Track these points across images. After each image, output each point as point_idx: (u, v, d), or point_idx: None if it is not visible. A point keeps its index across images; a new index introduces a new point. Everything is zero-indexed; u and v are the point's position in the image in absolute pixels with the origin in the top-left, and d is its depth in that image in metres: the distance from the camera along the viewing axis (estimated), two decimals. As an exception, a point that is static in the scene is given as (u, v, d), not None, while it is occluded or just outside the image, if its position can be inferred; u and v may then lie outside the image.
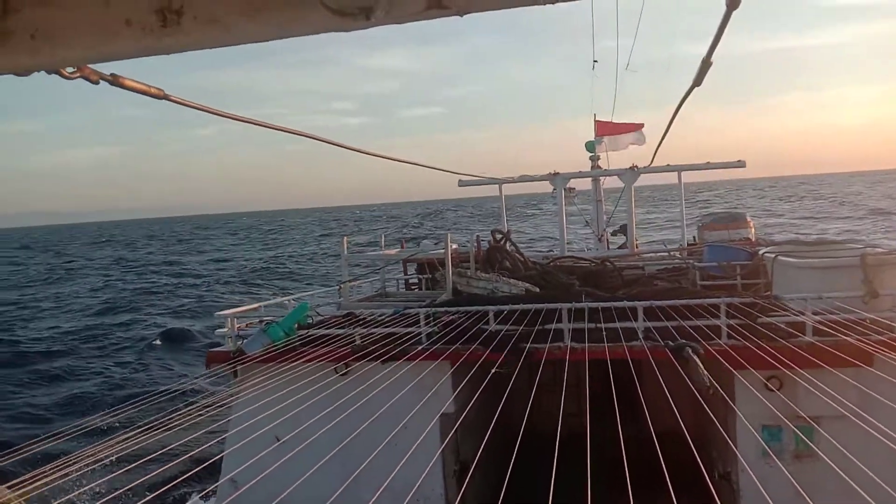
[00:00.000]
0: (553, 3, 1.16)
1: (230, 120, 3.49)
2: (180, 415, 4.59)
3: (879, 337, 5.36)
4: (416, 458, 4.87)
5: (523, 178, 13.67)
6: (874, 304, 6.09)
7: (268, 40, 1.30)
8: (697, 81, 3.62)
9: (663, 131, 8.38)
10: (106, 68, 1.80)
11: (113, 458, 3.97)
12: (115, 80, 1.75)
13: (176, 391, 5.29)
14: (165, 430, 4.45)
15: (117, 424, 5.07)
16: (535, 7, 1.17)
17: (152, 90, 1.89)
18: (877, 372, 4.99)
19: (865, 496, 3.54)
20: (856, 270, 6.32)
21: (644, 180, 12.20)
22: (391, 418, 5.17)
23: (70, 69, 1.58)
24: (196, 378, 5.77)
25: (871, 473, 3.96)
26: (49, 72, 1.52)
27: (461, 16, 1.20)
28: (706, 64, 3.29)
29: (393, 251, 11.00)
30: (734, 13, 2.06)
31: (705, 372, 4.98)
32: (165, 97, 2.02)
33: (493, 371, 5.57)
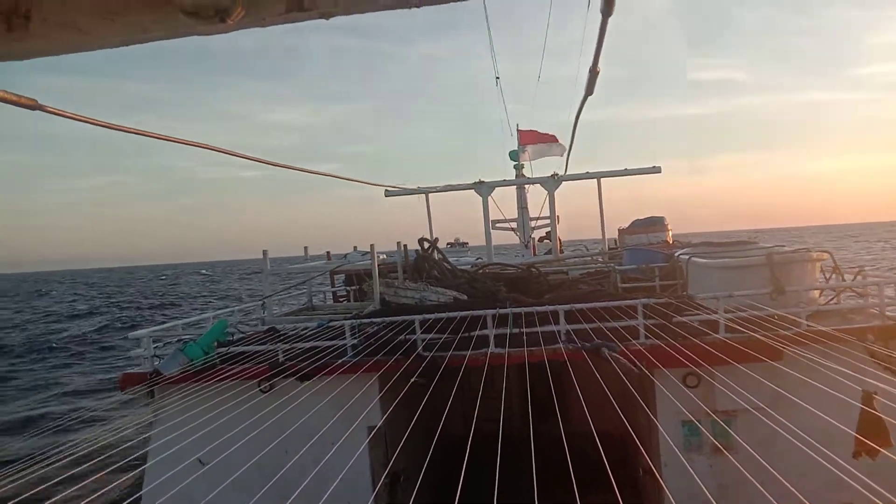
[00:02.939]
0: (419, 7, 1.15)
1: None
2: (89, 442, 4.34)
3: (787, 333, 5.59)
4: (344, 473, 4.78)
5: (448, 188, 13.73)
6: (781, 300, 6.38)
7: (126, 45, 1.24)
8: (589, 90, 3.72)
9: (572, 141, 8.59)
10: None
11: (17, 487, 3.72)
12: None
13: (84, 418, 5.01)
14: (72, 458, 4.19)
15: (17, 455, 4.75)
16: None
17: (23, 100, 1.78)
18: (784, 368, 5.20)
19: (783, 483, 3.69)
20: (763, 269, 6.61)
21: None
22: (317, 434, 5.06)
23: None
24: (108, 402, 5.49)
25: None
26: None
27: (326, 19, 1.17)
28: (594, 73, 3.38)
29: (319, 263, 10.84)
30: (610, 20, 2.12)
31: (629, 362, 5.09)
32: (40, 107, 1.90)
33: (411, 382, 5.53)
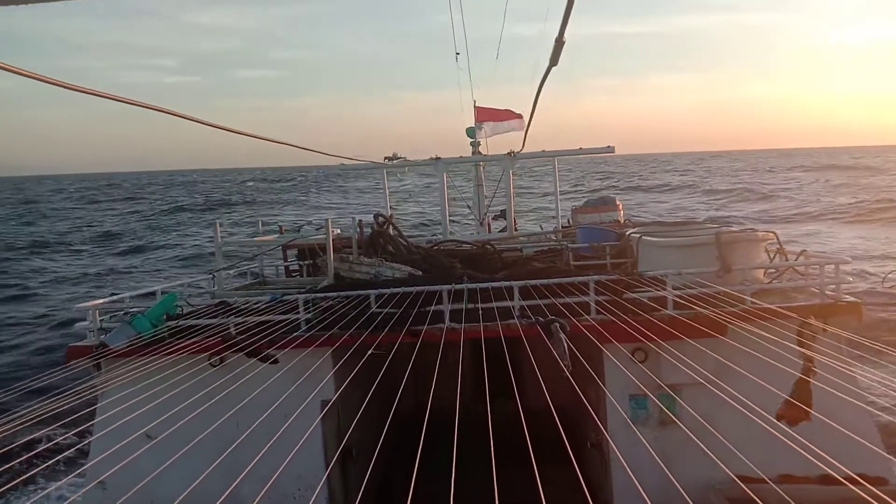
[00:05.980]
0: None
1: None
2: (32, 412, 4.20)
3: (732, 309, 5.77)
4: (297, 448, 4.76)
5: (405, 163, 13.70)
6: (727, 278, 6.58)
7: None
8: (554, 61, 3.73)
9: (532, 113, 8.63)
10: None
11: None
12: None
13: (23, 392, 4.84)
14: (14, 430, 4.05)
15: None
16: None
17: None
18: (730, 341, 5.39)
19: (724, 453, 3.84)
20: (711, 248, 6.80)
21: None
22: (269, 408, 5.02)
23: None
24: (52, 374, 5.33)
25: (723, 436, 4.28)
26: None
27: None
28: (559, 43, 3.39)
29: (271, 237, 10.68)
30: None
31: (566, 348, 5.18)
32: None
33: (369, 353, 5.53)
